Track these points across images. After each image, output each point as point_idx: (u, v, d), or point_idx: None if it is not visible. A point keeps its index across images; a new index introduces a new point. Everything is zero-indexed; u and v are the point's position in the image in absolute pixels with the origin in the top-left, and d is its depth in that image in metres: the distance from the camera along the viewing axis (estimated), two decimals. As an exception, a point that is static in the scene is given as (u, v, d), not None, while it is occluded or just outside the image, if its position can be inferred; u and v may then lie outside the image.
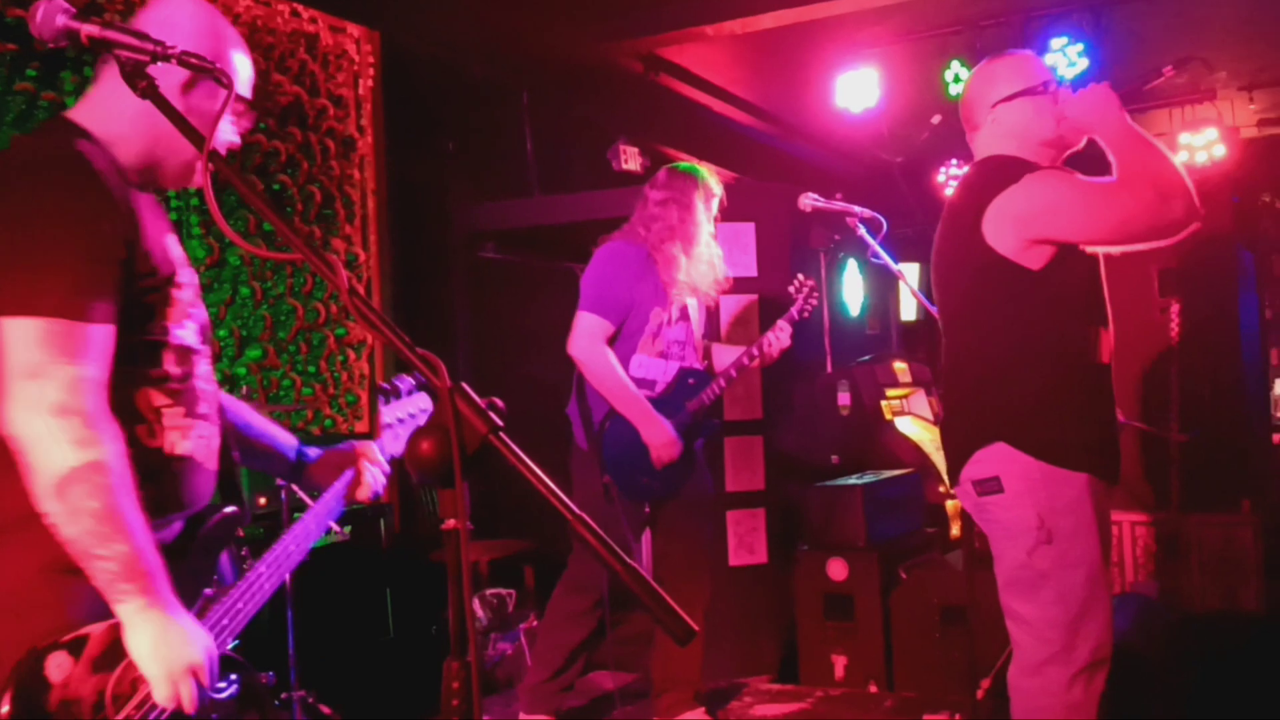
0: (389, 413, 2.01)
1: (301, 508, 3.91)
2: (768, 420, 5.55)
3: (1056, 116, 2.69)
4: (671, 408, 3.88)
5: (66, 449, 1.48)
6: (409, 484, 5.10)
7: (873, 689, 4.63)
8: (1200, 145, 7.31)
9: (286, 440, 2.12)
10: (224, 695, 1.70)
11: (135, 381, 1.65)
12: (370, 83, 5.43)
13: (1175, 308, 4.41)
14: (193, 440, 1.75)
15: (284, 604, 3.72)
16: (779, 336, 4.02)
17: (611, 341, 3.85)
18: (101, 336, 1.55)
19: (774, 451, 5.53)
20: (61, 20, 1.43)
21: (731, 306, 5.56)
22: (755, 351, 3.99)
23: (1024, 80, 2.72)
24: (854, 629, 4.74)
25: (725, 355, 4.15)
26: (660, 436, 3.80)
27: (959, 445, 2.74)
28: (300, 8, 5.07)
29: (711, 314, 5.51)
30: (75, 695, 1.51)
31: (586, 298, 3.86)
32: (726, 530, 5.45)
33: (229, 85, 1.48)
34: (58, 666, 1.50)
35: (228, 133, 1.79)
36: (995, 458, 2.61)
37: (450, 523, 1.13)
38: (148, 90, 1.41)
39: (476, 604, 5.00)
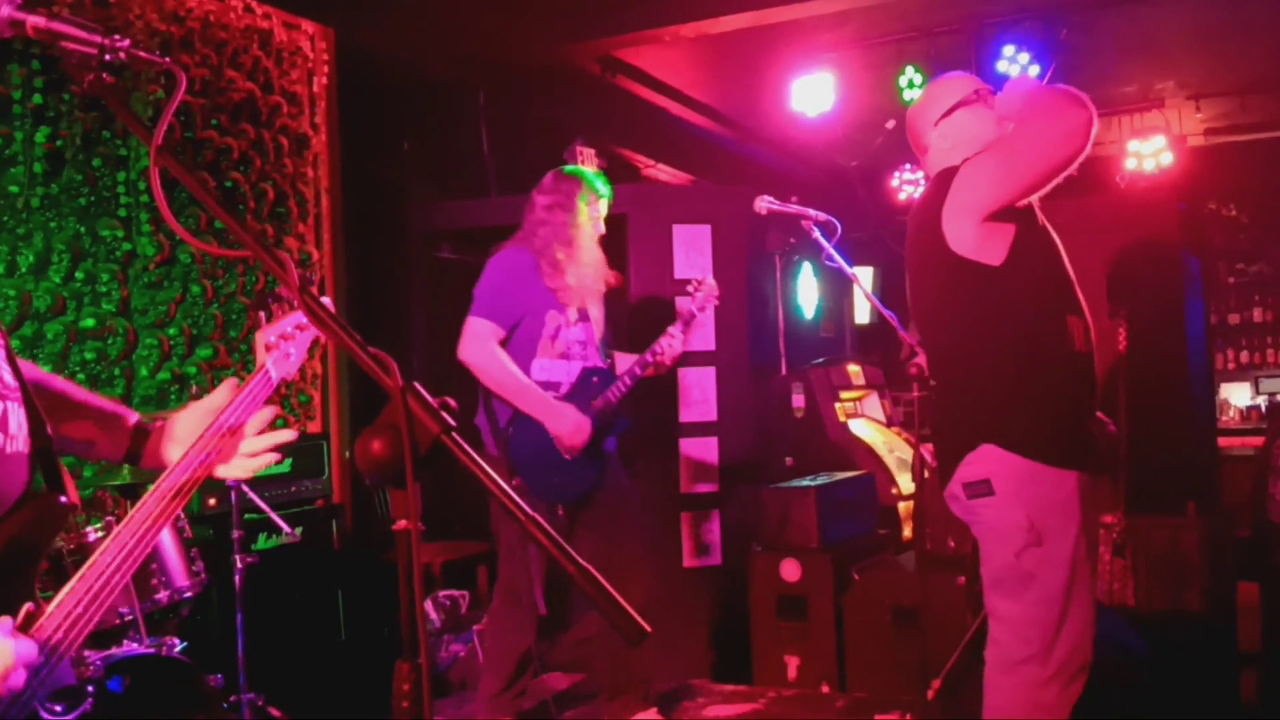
0: (271, 331, 1.86)
1: (253, 508, 3.87)
2: (722, 423, 5.57)
3: (993, 119, 2.80)
4: (578, 407, 3.90)
5: None
6: (361, 484, 5.06)
7: (825, 689, 4.65)
8: (1148, 153, 7.43)
9: (116, 416, 1.86)
10: (65, 717, 1.47)
11: None
12: (324, 80, 5.38)
13: (1123, 313, 4.48)
14: None
15: (233, 606, 3.68)
16: (670, 344, 4.01)
17: (506, 346, 3.89)
18: None
19: (728, 454, 5.55)
20: (6, 10, 1.38)
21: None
22: (649, 359, 3.98)
23: (957, 94, 2.86)
24: (807, 630, 4.77)
25: (623, 362, 4.15)
26: (564, 425, 3.83)
27: (948, 449, 2.77)
28: (254, 4, 5.02)
29: (666, 316, 5.53)
30: None
31: (476, 304, 3.91)
32: (681, 532, 5.47)
33: (180, 82, 1.45)
34: None
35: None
36: (985, 460, 2.65)
37: (401, 524, 1.12)
38: (95, 84, 1.39)
39: (429, 606, 4.97)
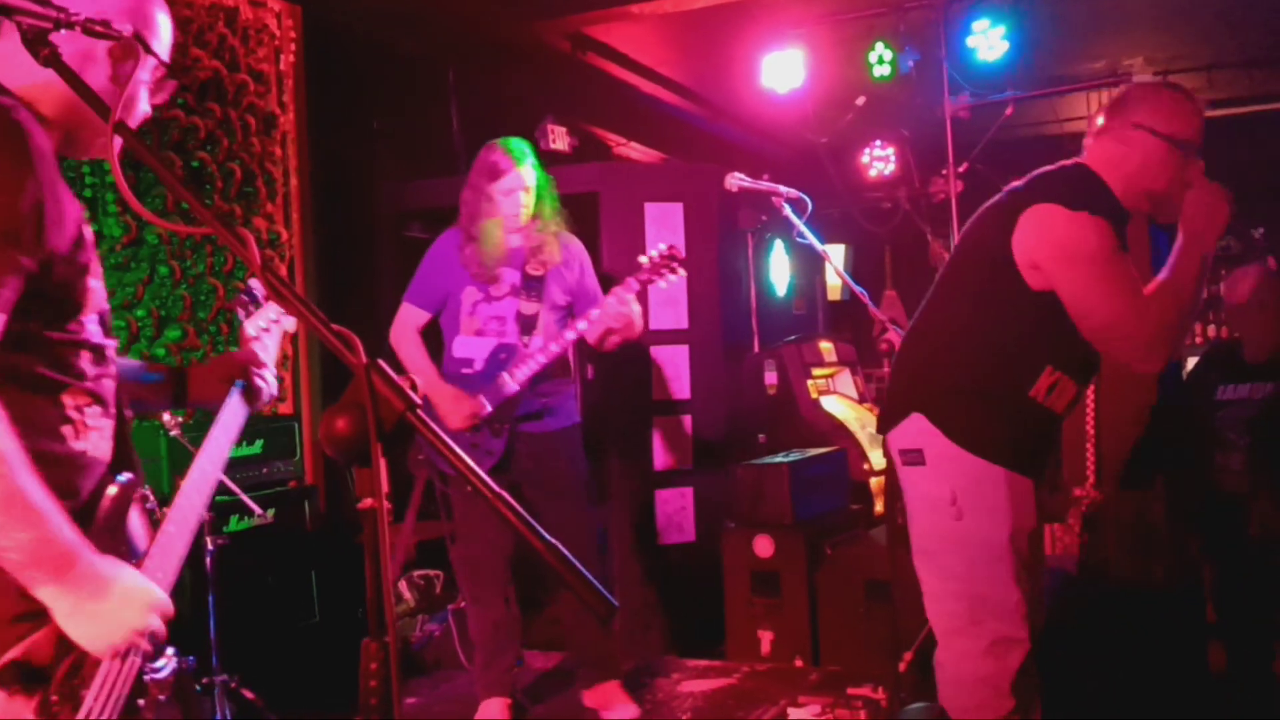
0: (251, 324, 1.98)
1: (224, 490, 3.85)
2: (695, 400, 5.58)
3: (1173, 180, 2.62)
4: (486, 384, 3.89)
5: None
6: (335, 465, 5.04)
7: (798, 664, 4.69)
8: (1117, 129, 7.45)
9: (154, 370, 2.02)
10: (161, 674, 1.62)
11: (55, 384, 1.56)
12: (292, 58, 5.32)
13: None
14: (109, 439, 1.68)
15: (205, 587, 3.66)
16: (607, 310, 3.86)
17: (441, 325, 4.03)
18: None
19: (701, 431, 5.57)
20: (-42, -16, 1.36)
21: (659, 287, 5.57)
22: (579, 325, 3.90)
23: (1182, 130, 2.63)
24: (780, 605, 4.80)
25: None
26: (442, 406, 3.85)
27: (897, 400, 2.76)
28: (218, -20, 4.96)
29: (639, 294, 5.52)
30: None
31: (408, 289, 4.05)
32: (655, 509, 5.48)
33: (137, 54, 1.43)
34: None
35: (142, 102, 1.73)
36: (920, 431, 2.64)
37: (367, 501, 1.12)
38: (50, 59, 1.36)
39: (404, 586, 4.97)
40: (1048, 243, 2.53)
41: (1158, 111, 2.62)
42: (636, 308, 3.92)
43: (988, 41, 5.93)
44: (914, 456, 2.65)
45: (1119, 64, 7.57)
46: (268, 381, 1.95)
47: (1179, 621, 4.35)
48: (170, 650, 1.63)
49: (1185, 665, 4.26)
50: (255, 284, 1.96)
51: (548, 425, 4.01)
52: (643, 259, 3.95)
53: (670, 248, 3.89)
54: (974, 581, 2.60)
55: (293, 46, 5.31)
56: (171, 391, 1.99)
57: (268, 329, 1.99)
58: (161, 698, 1.58)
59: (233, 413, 1.90)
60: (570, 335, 3.91)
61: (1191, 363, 4.34)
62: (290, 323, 2.00)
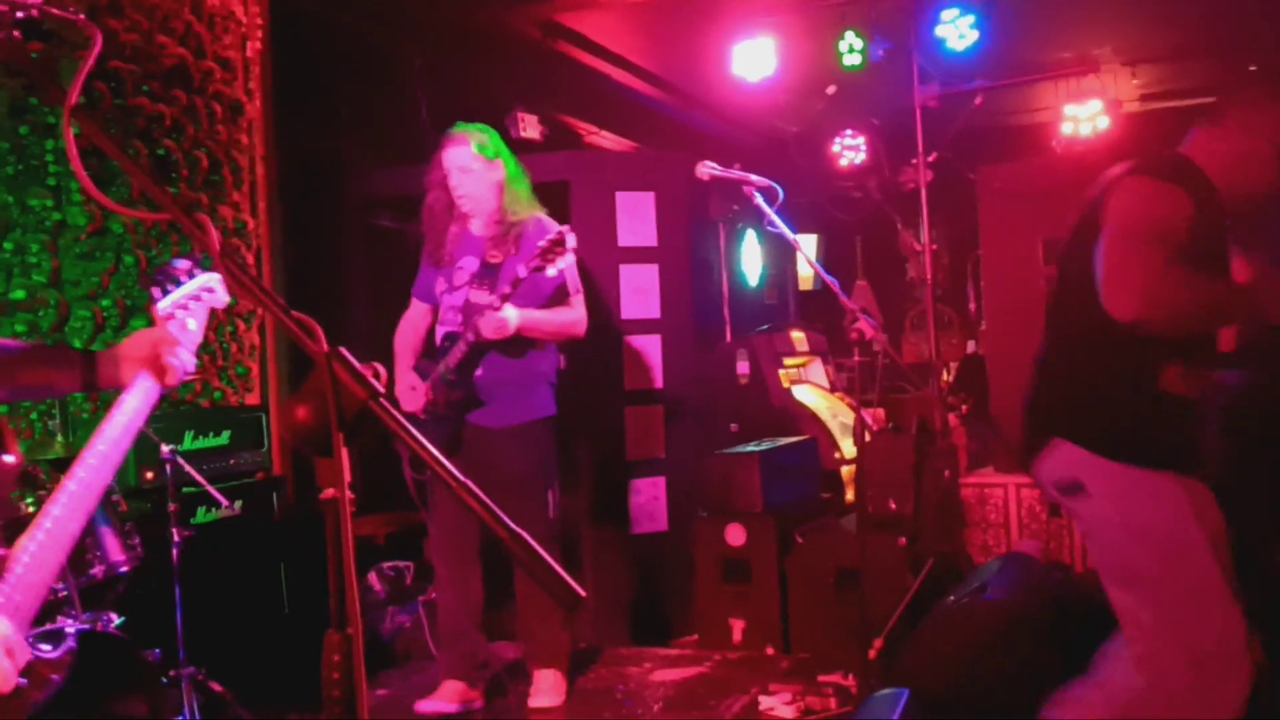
0: (166, 302, 1.95)
1: (189, 481, 3.82)
2: (667, 390, 5.58)
3: (1272, 190, 2.57)
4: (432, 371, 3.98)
5: None
6: (303, 456, 5.00)
7: (770, 652, 4.70)
8: (1085, 117, 7.52)
9: (62, 352, 2.00)
10: (55, 653, 1.58)
11: None
12: (259, 45, 5.26)
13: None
14: None
15: (172, 579, 3.63)
16: (486, 313, 3.77)
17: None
18: None
19: (674, 420, 5.57)
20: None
21: (632, 276, 5.57)
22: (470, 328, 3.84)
23: None
24: (751, 593, 4.81)
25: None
26: (396, 388, 4.00)
27: (1037, 429, 2.64)
28: (183, -34, 4.89)
29: (609, 284, 5.51)
30: None
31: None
32: (628, 499, 5.48)
33: (95, 40, 1.40)
34: None
35: None
36: (1070, 458, 2.52)
37: (329, 492, 1.10)
38: (5, 44, 1.33)
39: (374, 577, 4.94)
40: (1117, 208, 2.48)
41: (1269, 115, 2.59)
42: (511, 313, 3.78)
43: (957, 30, 5.95)
44: (1071, 487, 2.52)
45: (1087, 53, 7.62)
46: (180, 360, 1.89)
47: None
48: (68, 627, 1.58)
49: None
50: (177, 262, 1.94)
51: (496, 419, 3.96)
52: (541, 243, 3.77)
53: (559, 233, 3.74)
54: (1161, 603, 2.45)
55: (259, 33, 5.25)
56: (81, 375, 1.95)
57: (186, 307, 1.95)
58: (54, 677, 1.54)
59: (140, 394, 1.85)
60: (471, 336, 3.82)
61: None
62: (221, 299, 1.98)
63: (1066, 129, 7.62)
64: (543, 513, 4.08)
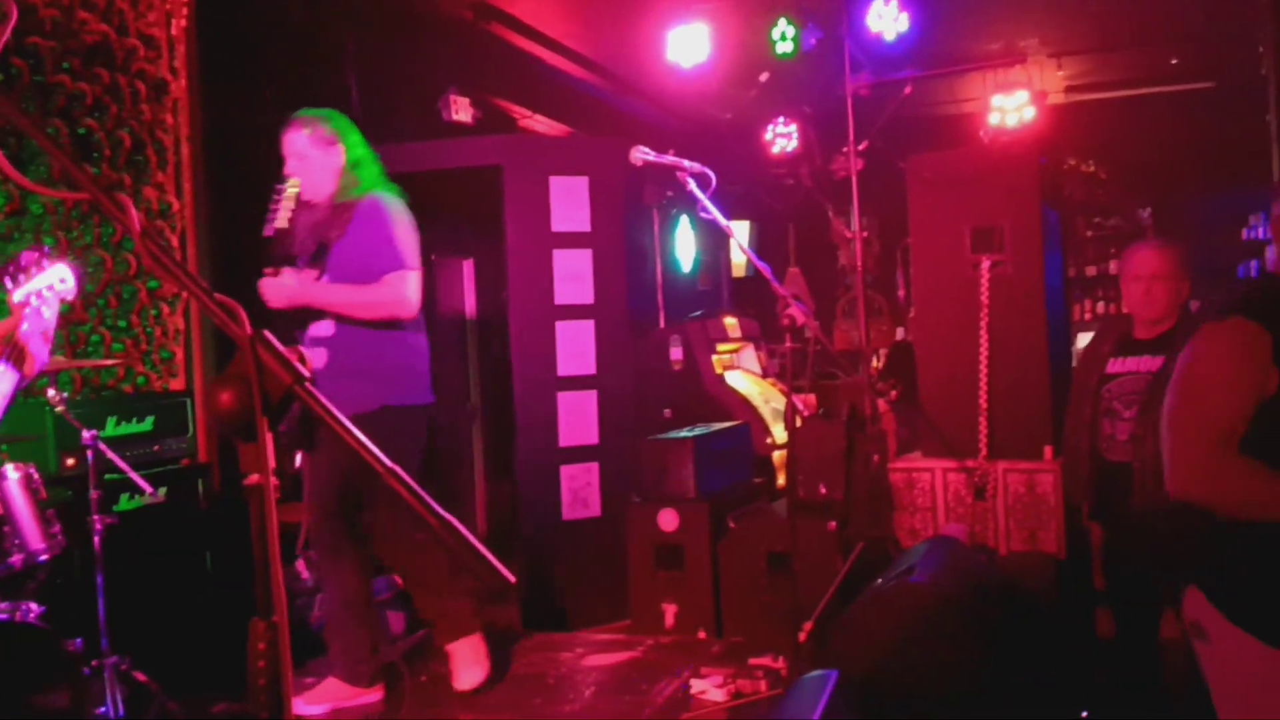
0: (21, 291, 1.96)
1: (112, 468, 3.74)
2: (601, 375, 5.58)
3: None
4: None
5: None
6: (229, 442, 4.92)
7: (701, 636, 4.73)
8: (1011, 108, 7.64)
9: None
10: None
11: None
12: (184, 22, 5.14)
13: (986, 264, 4.61)
14: None
15: (93, 567, 3.56)
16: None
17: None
18: None
19: (607, 406, 5.57)
20: None
21: (566, 261, 5.55)
22: None
23: None
24: (684, 578, 4.84)
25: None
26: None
27: (1178, 560, 2.41)
28: (104, -61, 4.76)
29: (543, 270, 5.49)
30: None
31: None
32: (560, 485, 5.48)
33: (11, 13, 1.36)
34: None
35: None
36: (1200, 604, 2.31)
37: (253, 478, 1.08)
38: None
39: (301, 565, 4.88)
40: (1186, 362, 2.28)
41: None
42: (288, 280, 3.76)
43: (888, 20, 6.01)
44: (1197, 630, 2.34)
45: (1014, 45, 7.74)
46: (36, 347, 1.91)
47: (1067, 587, 4.50)
48: None
49: (1073, 630, 4.41)
50: (25, 254, 1.94)
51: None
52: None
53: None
54: None
55: (185, 11, 5.14)
56: None
57: (41, 295, 1.96)
58: None
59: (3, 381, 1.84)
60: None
61: (1085, 339, 4.46)
62: (70, 289, 1.99)
63: (994, 119, 7.73)
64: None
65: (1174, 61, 8.32)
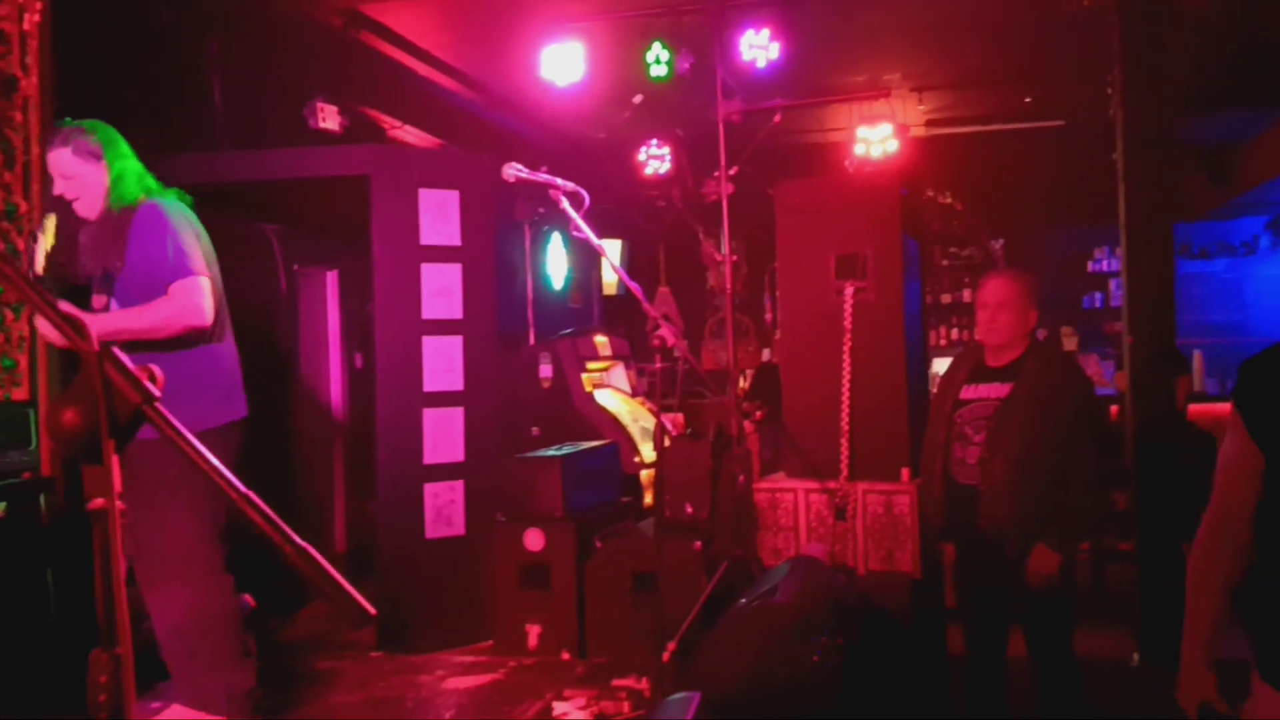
0: None
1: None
2: (468, 392, 5.51)
3: None
4: None
5: None
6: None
7: (565, 657, 4.71)
8: (876, 140, 7.85)
9: None
10: None
11: None
12: (37, 18, 4.91)
13: (849, 290, 4.72)
14: None
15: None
16: None
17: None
18: None
19: (474, 423, 5.51)
20: None
21: (434, 275, 5.48)
22: None
23: None
24: (549, 598, 4.81)
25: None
26: None
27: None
28: (-50, -75, 4.53)
29: (410, 283, 5.41)
30: None
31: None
32: (424, 503, 5.39)
33: None
34: None
35: None
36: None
37: (98, 501, 1.03)
38: None
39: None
40: None
41: None
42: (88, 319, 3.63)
43: (759, 49, 6.12)
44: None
45: (879, 78, 7.98)
46: None
47: (921, 606, 4.62)
48: None
49: (925, 648, 4.54)
50: None
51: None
52: None
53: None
54: None
55: (38, 5, 4.91)
56: None
57: None
58: None
59: None
60: None
61: (941, 364, 4.61)
62: None
63: (859, 150, 7.94)
64: (157, 536, 3.58)
65: (1028, 100, 8.69)
